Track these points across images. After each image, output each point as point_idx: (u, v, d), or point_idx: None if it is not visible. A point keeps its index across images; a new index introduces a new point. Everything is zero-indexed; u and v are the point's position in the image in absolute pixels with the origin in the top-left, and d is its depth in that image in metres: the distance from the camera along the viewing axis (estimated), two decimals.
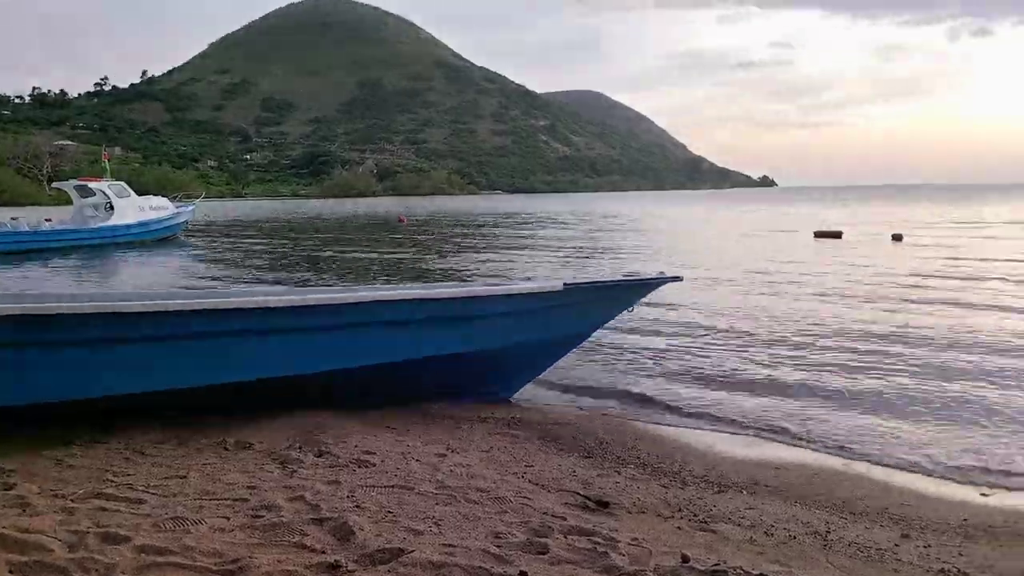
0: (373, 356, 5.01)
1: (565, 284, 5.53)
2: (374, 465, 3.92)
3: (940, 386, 6.47)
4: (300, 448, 4.19)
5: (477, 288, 5.73)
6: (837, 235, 26.12)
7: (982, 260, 17.01)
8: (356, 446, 4.26)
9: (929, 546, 3.41)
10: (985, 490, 4.38)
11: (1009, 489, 4.43)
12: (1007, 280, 13.33)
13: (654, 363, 7.34)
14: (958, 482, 4.52)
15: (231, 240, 30.45)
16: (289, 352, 4.81)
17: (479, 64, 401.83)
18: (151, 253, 23.98)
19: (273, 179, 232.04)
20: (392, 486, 3.57)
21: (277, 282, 14.38)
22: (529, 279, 8.66)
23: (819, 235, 26.49)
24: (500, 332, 5.47)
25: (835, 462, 4.78)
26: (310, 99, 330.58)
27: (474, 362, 5.49)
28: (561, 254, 20.49)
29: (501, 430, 5.02)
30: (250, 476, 3.70)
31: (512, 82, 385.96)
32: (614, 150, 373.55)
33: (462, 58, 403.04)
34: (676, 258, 18.87)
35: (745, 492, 4.06)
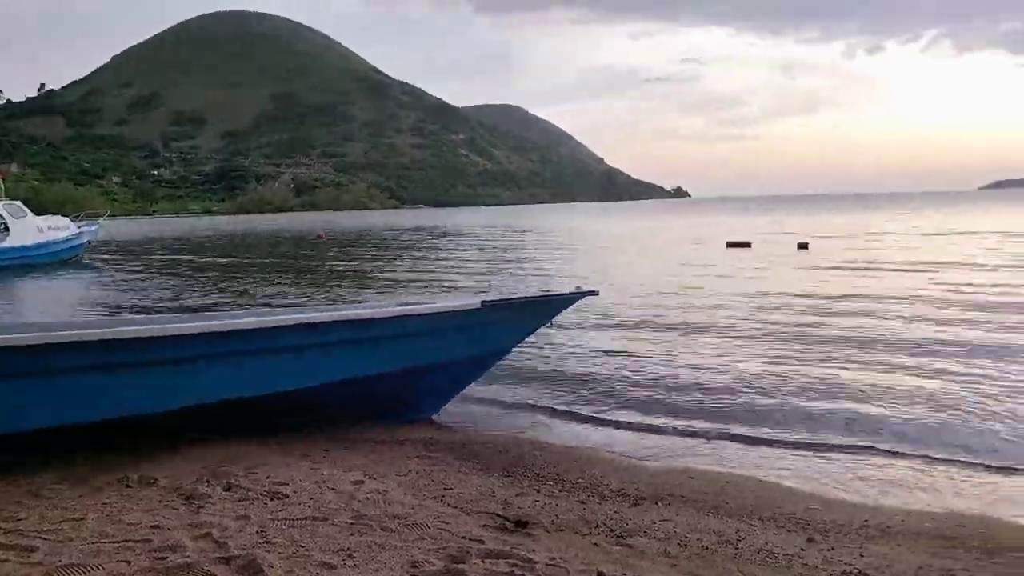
0: (285, 382, 4.88)
1: (483, 302, 5.53)
2: (286, 497, 3.81)
3: (844, 390, 6.77)
4: (208, 482, 4.03)
5: (393, 308, 5.67)
6: (747, 245, 27.10)
7: (880, 266, 17.95)
8: (268, 477, 4.13)
9: (832, 549, 3.55)
10: (882, 491, 4.60)
11: (906, 486, 4.68)
12: (904, 280, 14.11)
13: (572, 378, 7.41)
14: (860, 483, 4.73)
15: (137, 261, 29.22)
16: (197, 381, 4.64)
17: (397, 78, 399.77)
18: (51, 276, 22.75)
19: (184, 195, 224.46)
20: (305, 518, 3.48)
21: (186, 308, 13.86)
22: (447, 297, 8.64)
23: (731, 245, 27.41)
24: (418, 352, 5.43)
25: (746, 470, 4.93)
26: (222, 112, 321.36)
27: (392, 384, 5.43)
28: (482, 269, 20.52)
29: (420, 453, 4.96)
30: (153, 515, 3.53)
31: (430, 96, 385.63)
32: (533, 163, 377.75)
33: (380, 71, 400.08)
34: (595, 271, 19.16)
35: (660, 504, 4.13)
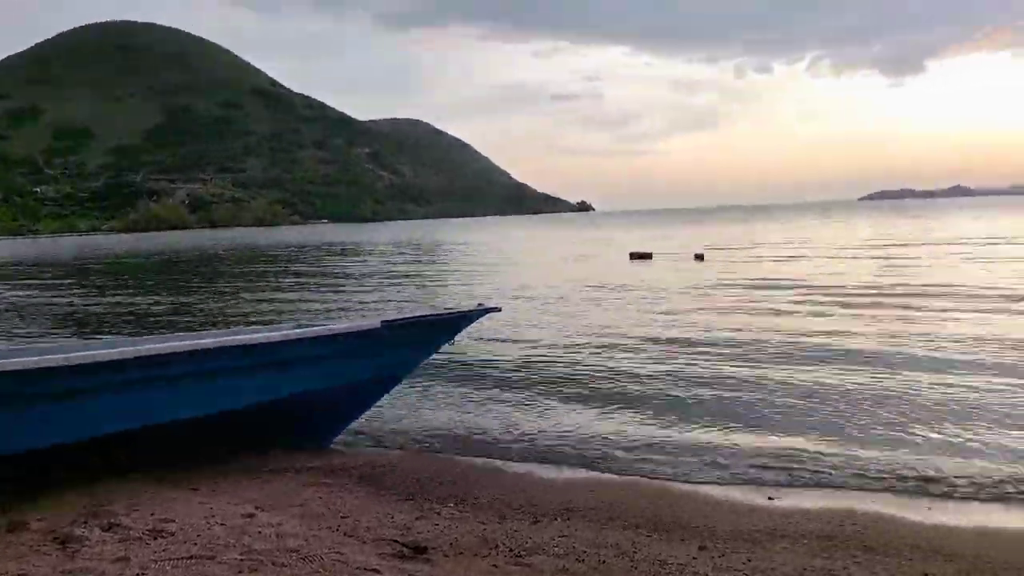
0: (171, 412, 4.66)
1: (383, 322, 5.43)
2: (172, 534, 3.62)
3: (734, 396, 7.05)
4: (86, 523, 3.79)
5: (288, 331, 5.50)
6: (648, 256, 27.98)
7: (772, 276, 18.85)
8: (152, 514, 3.92)
9: (723, 555, 3.67)
10: (772, 493, 4.80)
11: (793, 486, 4.91)
12: (796, 291, 14.86)
13: (475, 396, 7.39)
14: (753, 487, 4.91)
15: (9, 285, 27.26)
16: (75, 415, 4.36)
17: (297, 91, 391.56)
18: None
19: (70, 214, 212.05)
20: (191, 557, 3.32)
21: (68, 336, 13.04)
22: (346, 317, 8.48)
23: (634, 256, 28.21)
24: (316, 376, 5.29)
25: (641, 479, 5.05)
26: (110, 126, 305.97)
27: (289, 410, 5.27)
28: (384, 287, 20.25)
29: (317, 480, 4.82)
30: (21, 563, 3.29)
31: (333, 110, 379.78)
32: (441, 178, 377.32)
33: (279, 85, 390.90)
34: (501, 286, 19.24)
35: (559, 519, 4.17)
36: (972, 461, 5.17)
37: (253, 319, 13.56)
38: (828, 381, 7.46)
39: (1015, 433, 5.69)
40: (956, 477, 4.91)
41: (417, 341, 5.81)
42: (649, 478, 5.09)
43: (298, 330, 5.56)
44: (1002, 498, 4.63)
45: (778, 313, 12.37)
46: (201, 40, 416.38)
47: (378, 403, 6.19)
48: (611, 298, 15.21)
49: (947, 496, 4.70)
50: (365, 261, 34.49)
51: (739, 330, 10.67)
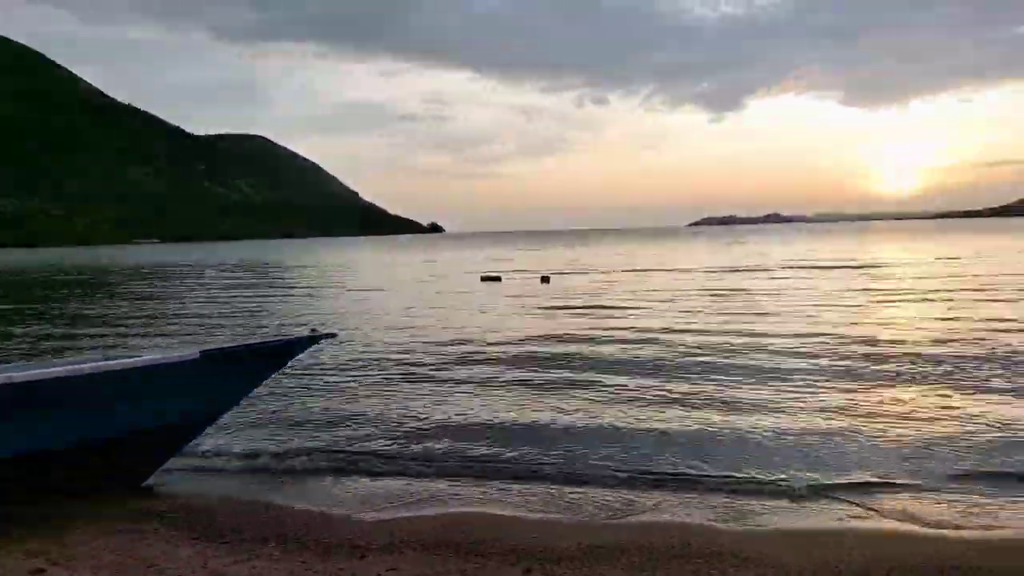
0: None
1: (202, 352, 5.12)
2: None
3: (576, 417, 7.21)
4: None
5: (97, 363, 5.04)
6: (497, 279, 28.43)
7: (612, 299, 19.69)
8: None
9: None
10: (611, 513, 4.90)
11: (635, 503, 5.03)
12: (634, 313, 15.59)
13: (306, 429, 7.06)
14: (586, 510, 4.95)
15: None
16: None
17: (126, 102, 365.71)
18: None
19: None
20: None
21: None
22: (163, 347, 7.91)
23: (484, 279, 28.57)
24: (126, 413, 4.88)
25: (474, 506, 5.02)
26: None
27: (97, 450, 4.82)
28: (209, 313, 18.96)
29: (125, 526, 4.43)
30: None
31: (167, 123, 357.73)
32: (285, 196, 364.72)
33: (107, 96, 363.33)
34: (342, 310, 18.73)
35: (386, 552, 4.07)
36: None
37: (74, 347, 12.34)
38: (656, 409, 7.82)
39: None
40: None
41: (241, 372, 5.50)
42: (478, 506, 5.03)
43: (106, 362, 5.12)
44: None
45: (623, 343, 12.78)
46: (17, 44, 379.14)
47: (197, 439, 5.82)
48: (459, 324, 15.20)
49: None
50: (197, 283, 32.52)
51: (583, 355, 10.97)
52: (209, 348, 5.26)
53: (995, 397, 7.62)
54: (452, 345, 11.94)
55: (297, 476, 5.76)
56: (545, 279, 27.54)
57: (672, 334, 12.46)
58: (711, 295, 19.63)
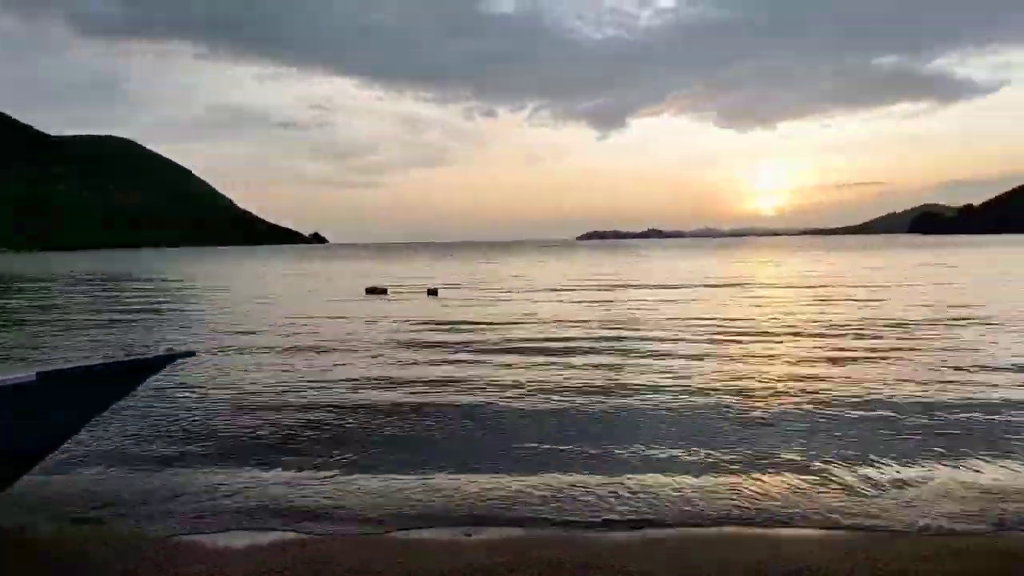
0: None
1: (39, 374, 4.45)
2: None
3: (448, 434, 6.76)
4: None
5: None
6: (383, 291, 27.43)
7: (500, 313, 19.20)
8: None
9: None
10: (469, 531, 4.54)
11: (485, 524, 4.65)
12: (526, 328, 15.10)
13: (155, 456, 6.19)
14: (449, 527, 4.59)
15: None
16: None
17: None
18: None
19: None
20: None
21: None
22: None
23: (369, 291, 27.47)
24: None
25: (345, 536, 4.48)
26: None
27: None
28: (54, 332, 16.55)
29: None
30: None
31: (17, 121, 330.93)
32: (152, 203, 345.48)
33: None
34: (214, 326, 17.12)
35: None
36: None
37: None
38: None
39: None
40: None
41: (84, 395, 4.76)
42: (335, 528, 4.61)
43: None
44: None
45: (509, 366, 12.26)
46: None
47: (31, 470, 4.98)
48: (339, 340, 14.16)
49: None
50: (45, 297, 29.50)
51: (466, 374, 10.33)
52: (47, 370, 4.57)
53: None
54: (319, 368, 10.85)
55: (138, 512, 4.89)
56: (432, 292, 26.85)
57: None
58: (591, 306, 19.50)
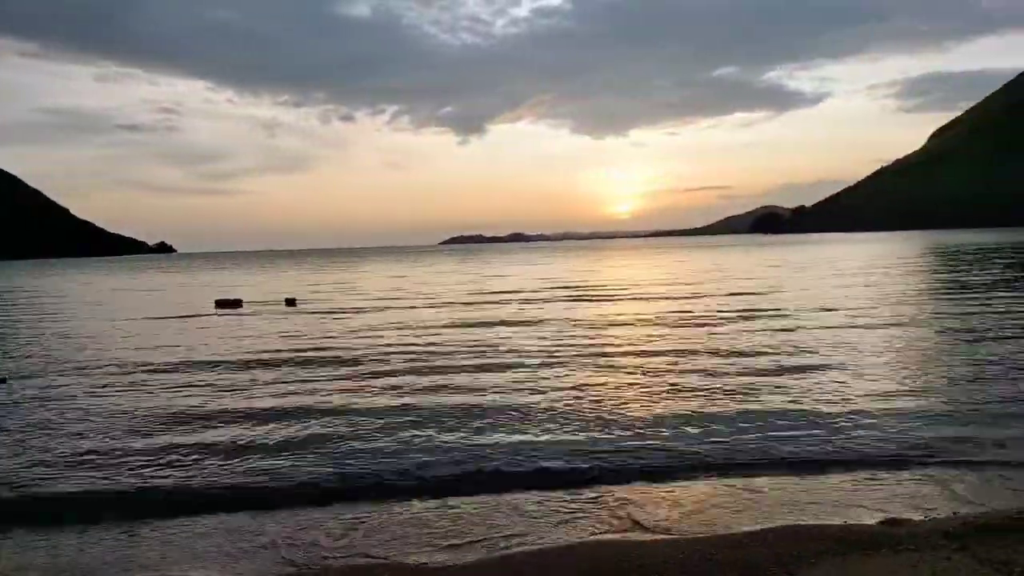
0: None
1: None
2: None
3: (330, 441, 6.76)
4: None
5: None
6: (238, 303, 26.17)
7: (363, 322, 19.19)
8: None
9: None
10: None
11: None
12: (384, 331, 15.25)
13: None
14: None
15: None
16: None
17: None
18: None
19: None
20: None
21: None
22: None
23: (220, 304, 26.06)
24: None
25: None
26: None
27: None
28: None
29: None
30: None
31: None
32: None
33: None
34: (33, 351, 15.23)
35: None
36: None
37: None
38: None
39: None
40: None
41: None
42: None
43: None
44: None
45: (377, 378, 12.36)
46: None
47: None
48: (185, 358, 13.70)
49: None
50: None
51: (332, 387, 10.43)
52: None
53: None
54: (160, 403, 9.77)
55: None
56: (291, 301, 26.21)
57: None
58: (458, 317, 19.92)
